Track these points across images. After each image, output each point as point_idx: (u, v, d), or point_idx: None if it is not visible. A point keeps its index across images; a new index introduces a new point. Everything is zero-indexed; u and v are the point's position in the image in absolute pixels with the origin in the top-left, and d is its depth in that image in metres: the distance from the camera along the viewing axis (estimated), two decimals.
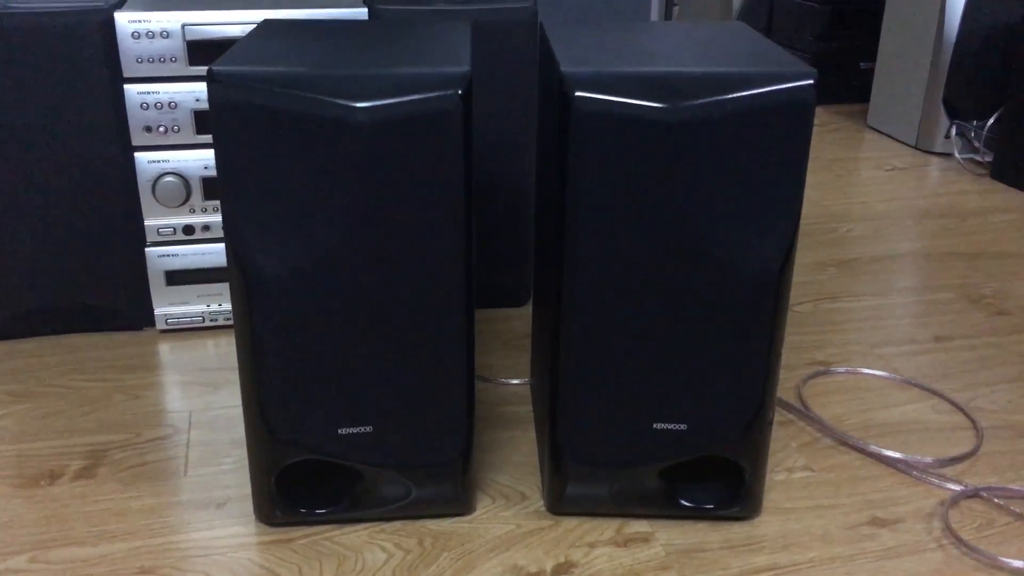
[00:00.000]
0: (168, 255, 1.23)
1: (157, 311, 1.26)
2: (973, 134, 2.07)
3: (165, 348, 1.25)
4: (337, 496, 0.91)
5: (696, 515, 0.92)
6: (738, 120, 0.77)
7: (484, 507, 0.94)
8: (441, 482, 0.90)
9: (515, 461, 1.02)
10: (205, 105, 1.17)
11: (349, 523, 0.91)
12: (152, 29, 1.13)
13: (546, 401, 0.91)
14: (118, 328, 1.28)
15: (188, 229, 1.23)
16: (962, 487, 0.97)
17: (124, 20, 1.12)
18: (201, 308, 1.27)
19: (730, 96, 0.76)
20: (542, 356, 0.95)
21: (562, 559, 0.88)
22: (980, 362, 1.23)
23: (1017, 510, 0.94)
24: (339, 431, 0.85)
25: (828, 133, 2.29)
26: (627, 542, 0.90)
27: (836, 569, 0.87)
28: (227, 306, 1.28)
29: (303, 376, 0.83)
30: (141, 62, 1.14)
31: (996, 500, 0.95)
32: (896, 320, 1.35)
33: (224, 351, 1.25)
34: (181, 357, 1.23)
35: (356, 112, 0.75)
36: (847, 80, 2.52)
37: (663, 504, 0.91)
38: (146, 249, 1.23)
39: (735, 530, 0.92)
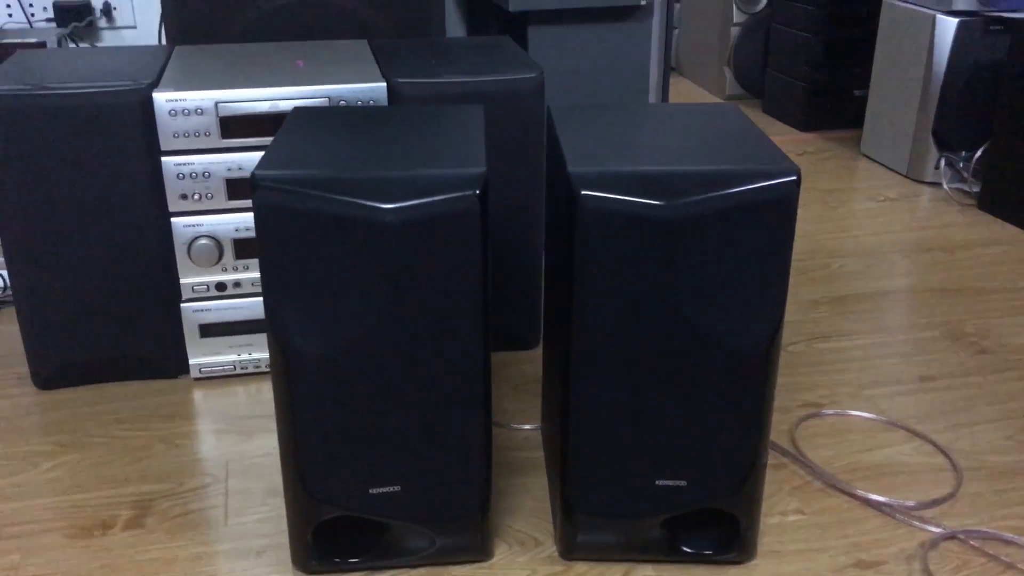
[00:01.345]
0: (202, 310, 1.32)
1: (192, 361, 1.35)
2: (962, 165, 2.16)
3: (199, 396, 1.34)
4: (367, 546, 0.99)
5: (696, 560, 1.01)
6: (728, 214, 0.85)
7: (501, 553, 1.03)
8: (462, 533, 0.98)
9: (529, 507, 1.11)
10: (236, 174, 1.26)
11: (378, 570, 1.00)
12: (188, 107, 1.22)
13: (557, 457, 1.00)
14: (156, 376, 1.37)
15: (220, 286, 1.32)
16: (940, 530, 1.06)
17: (162, 99, 1.21)
18: (232, 357, 1.36)
19: (721, 193, 0.85)
20: (552, 416, 1.04)
21: None
22: (961, 402, 1.32)
23: (991, 552, 1.03)
24: (370, 491, 0.94)
25: (823, 161, 2.38)
26: None
27: None
28: (256, 355, 1.37)
29: (337, 443, 0.92)
30: (177, 136, 1.23)
31: (972, 543, 1.04)
32: (884, 360, 1.43)
33: (254, 398, 1.34)
34: (215, 404, 1.32)
35: (385, 213, 0.84)
36: (842, 107, 2.61)
37: (666, 551, 1.00)
38: (181, 304, 1.32)
39: (732, 574, 1.00)
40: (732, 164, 0.87)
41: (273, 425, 1.27)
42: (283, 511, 1.10)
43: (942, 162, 2.17)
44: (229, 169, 1.26)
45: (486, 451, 0.95)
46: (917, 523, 1.08)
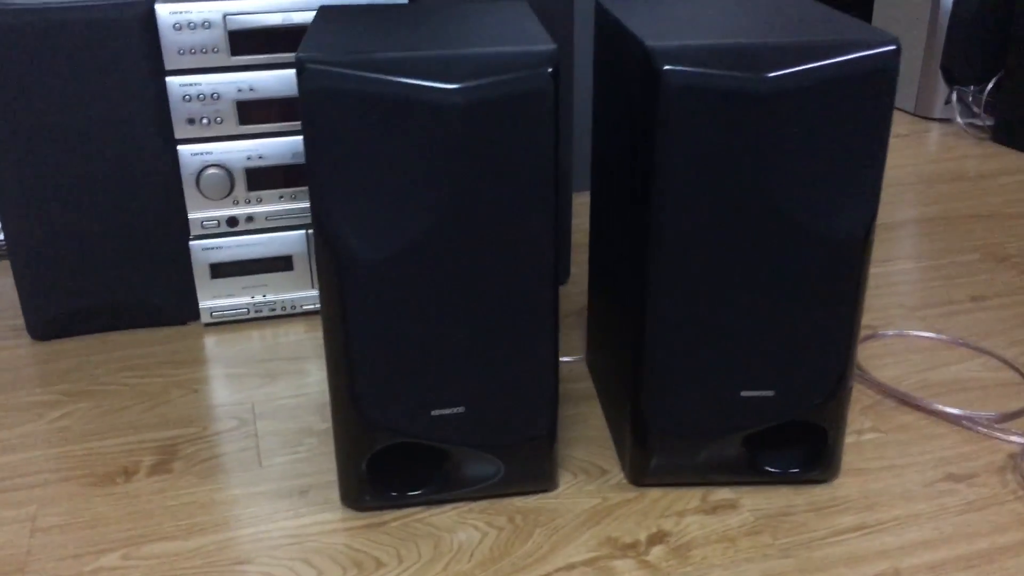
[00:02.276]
0: (213, 248, 1.22)
1: (202, 304, 1.25)
2: (971, 99, 2.11)
3: (212, 341, 1.24)
4: (425, 478, 0.91)
5: (778, 480, 0.94)
6: (826, 88, 0.78)
7: (566, 483, 0.95)
8: (529, 459, 0.90)
9: (587, 437, 1.03)
10: (248, 95, 1.16)
11: (435, 504, 0.92)
12: (193, 20, 1.11)
13: (625, 375, 0.92)
14: (162, 324, 1.27)
15: (232, 221, 1.22)
16: None
17: (165, 12, 1.11)
18: (246, 300, 1.26)
19: (818, 64, 0.77)
20: (615, 332, 0.95)
21: (654, 529, 0.89)
22: (1019, 320, 1.26)
23: None
24: (432, 413, 0.86)
25: None
26: (715, 509, 0.91)
27: (923, 525, 0.89)
28: (272, 296, 1.27)
29: (396, 359, 0.83)
30: (183, 54, 1.13)
31: None
32: (930, 283, 1.37)
33: (270, 342, 1.24)
34: (230, 350, 1.22)
35: (451, 94, 0.75)
36: None
37: (747, 471, 0.93)
38: (190, 242, 1.22)
39: (817, 493, 0.93)
40: (824, 36, 0.80)
41: (297, 367, 1.18)
42: (322, 451, 1.01)
43: (953, 97, 2.12)
44: (240, 90, 1.16)
45: (555, 365, 0.87)
46: (1001, 435, 1.01)
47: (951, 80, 2.12)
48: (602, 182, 1.00)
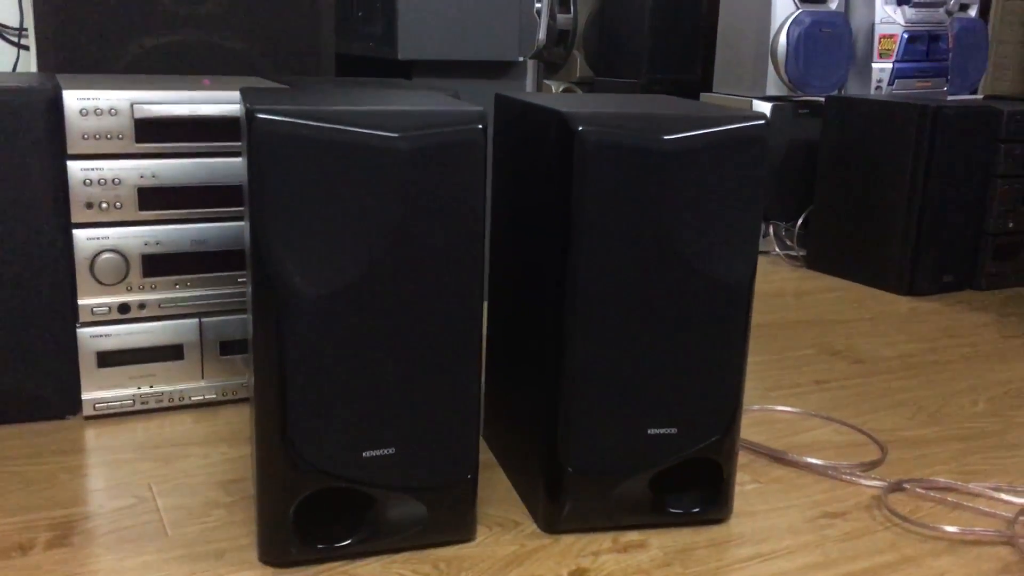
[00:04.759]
0: (101, 335, 1.21)
1: (85, 396, 1.22)
2: (785, 233, 2.37)
3: (93, 433, 1.20)
4: (349, 529, 0.92)
5: (680, 522, 1.00)
6: (715, 149, 0.91)
7: (483, 535, 0.98)
8: (453, 504, 0.93)
9: (497, 497, 1.06)
10: (149, 182, 1.18)
11: (359, 557, 0.92)
12: (100, 106, 1.15)
13: (538, 428, 0.98)
14: (39, 418, 1.22)
15: (123, 308, 1.21)
16: (887, 482, 1.12)
17: (72, 98, 1.13)
18: (132, 391, 1.24)
19: (707, 131, 0.90)
20: (522, 392, 1.01)
21: (574, 567, 0.93)
22: (857, 398, 1.41)
23: (936, 496, 1.09)
24: (363, 454, 0.88)
25: None
26: (626, 548, 0.96)
27: (811, 552, 0.97)
28: (159, 388, 1.25)
29: (330, 399, 0.86)
30: (87, 138, 1.15)
31: (918, 490, 1.10)
32: (779, 370, 1.52)
33: (155, 433, 1.22)
34: (117, 440, 1.18)
35: (396, 140, 0.83)
36: None
37: (653, 512, 0.99)
38: (78, 329, 1.20)
39: (715, 531, 1.01)
40: (708, 112, 0.93)
41: (191, 451, 1.16)
42: (232, 520, 0.99)
43: (770, 231, 2.37)
44: (142, 176, 1.18)
45: (479, 404, 0.92)
46: (863, 481, 1.13)
47: (767, 217, 2.38)
48: (500, 261, 1.08)
